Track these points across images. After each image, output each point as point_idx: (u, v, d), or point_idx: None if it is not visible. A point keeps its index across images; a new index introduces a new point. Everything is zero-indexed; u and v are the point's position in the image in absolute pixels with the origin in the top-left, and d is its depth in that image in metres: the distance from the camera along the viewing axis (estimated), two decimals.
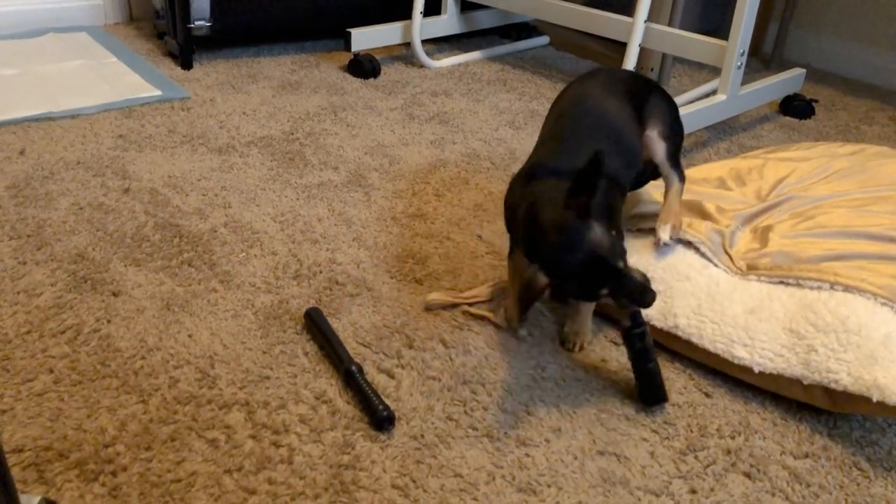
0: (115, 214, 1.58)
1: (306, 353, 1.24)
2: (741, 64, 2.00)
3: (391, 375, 1.21)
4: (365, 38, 2.44)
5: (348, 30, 2.40)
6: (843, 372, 1.11)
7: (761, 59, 2.85)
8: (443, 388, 1.19)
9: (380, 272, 1.46)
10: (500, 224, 1.64)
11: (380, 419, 1.11)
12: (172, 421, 1.09)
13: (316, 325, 1.28)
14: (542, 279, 1.06)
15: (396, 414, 1.13)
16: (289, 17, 2.55)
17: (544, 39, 2.84)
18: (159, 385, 1.16)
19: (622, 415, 1.17)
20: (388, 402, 1.14)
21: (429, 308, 1.37)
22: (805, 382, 1.15)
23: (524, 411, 1.16)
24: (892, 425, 1.16)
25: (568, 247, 1.06)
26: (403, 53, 2.60)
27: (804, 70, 2.33)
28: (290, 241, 1.54)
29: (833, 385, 1.12)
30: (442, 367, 1.24)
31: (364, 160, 1.89)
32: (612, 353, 1.29)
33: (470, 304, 1.38)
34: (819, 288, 1.22)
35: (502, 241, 1.58)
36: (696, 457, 1.10)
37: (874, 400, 1.08)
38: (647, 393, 1.18)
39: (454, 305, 1.38)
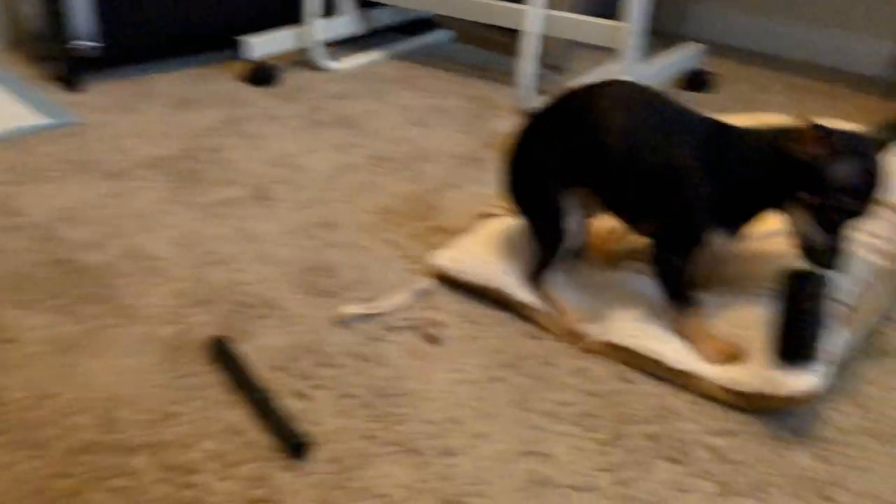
0: (2, 255, 1.49)
1: (214, 385, 1.19)
2: (638, 43, 2.01)
3: (306, 397, 1.17)
4: (260, 45, 2.37)
5: (241, 38, 2.32)
6: (742, 373, 1.14)
7: (658, 35, 2.89)
8: (360, 405, 1.16)
9: (289, 289, 1.41)
10: (413, 226, 1.61)
11: (295, 446, 1.06)
12: (71, 473, 1.03)
13: (223, 354, 1.22)
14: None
15: (313, 438, 1.09)
16: (181, 31, 2.45)
17: (448, 34, 2.82)
18: (56, 435, 1.08)
19: (544, 411, 1.15)
20: (303, 426, 1.10)
21: (342, 322, 1.32)
22: (716, 383, 1.17)
23: (446, 419, 1.13)
24: None
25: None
26: (304, 58, 2.54)
27: (702, 45, 2.37)
28: (192, 266, 1.47)
29: (736, 386, 1.14)
30: (359, 382, 1.20)
31: (267, 172, 1.83)
32: (531, 349, 1.28)
33: (386, 315, 1.35)
34: None
35: (415, 244, 1.55)
36: (619, 446, 1.09)
37: (766, 393, 1.11)
38: (794, 347, 1.11)
39: (369, 317, 1.34)
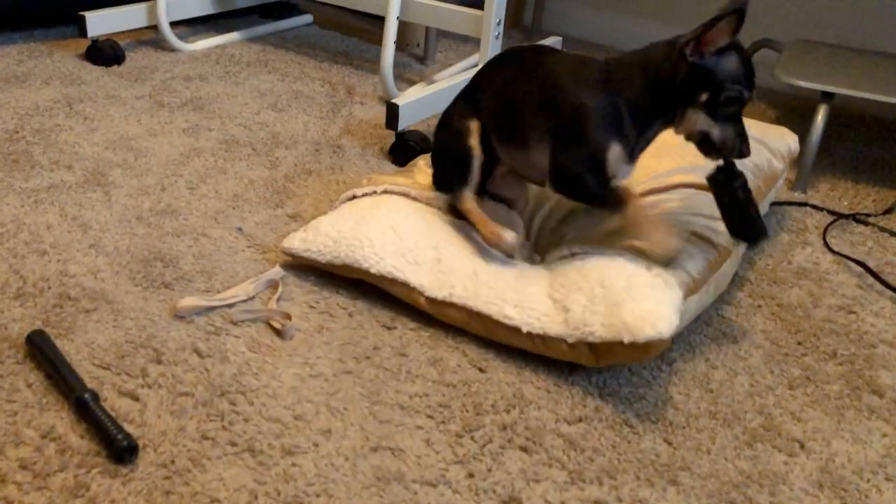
0: None
1: (30, 385, 1.06)
2: (499, 34, 2.00)
3: (135, 398, 1.06)
4: (103, 21, 2.19)
5: (82, 13, 2.14)
6: (598, 323, 1.12)
7: (522, 30, 2.91)
8: (196, 404, 1.06)
9: (122, 280, 1.29)
10: (264, 213, 1.52)
11: (119, 450, 0.96)
12: None
13: (41, 351, 1.10)
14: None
15: (141, 441, 0.99)
16: (14, 4, 2.24)
17: (307, 18, 2.72)
18: None
19: (396, 404, 1.10)
20: (130, 428, 1.00)
21: (180, 315, 1.22)
22: (569, 341, 1.14)
23: (290, 416, 1.06)
24: (656, 377, 1.19)
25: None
26: (153, 38, 2.38)
27: (560, 37, 2.39)
28: (11, 256, 1.32)
29: (591, 338, 1.12)
30: (196, 380, 1.11)
31: (104, 156, 1.68)
32: (385, 339, 1.22)
33: (230, 306, 1.26)
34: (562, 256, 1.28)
35: (265, 231, 1.47)
36: (472, 438, 1.05)
37: (625, 342, 1.09)
38: (749, 230, 1.24)
39: (210, 309, 1.25)
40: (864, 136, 2.18)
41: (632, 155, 1.24)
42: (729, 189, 1.21)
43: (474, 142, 1.32)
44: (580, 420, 1.10)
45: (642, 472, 1.03)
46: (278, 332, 1.21)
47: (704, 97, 1.16)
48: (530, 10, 2.93)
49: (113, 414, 1.02)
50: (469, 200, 1.32)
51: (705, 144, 1.20)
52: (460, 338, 1.24)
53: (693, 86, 1.16)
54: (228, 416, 1.05)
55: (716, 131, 1.18)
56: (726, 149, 1.19)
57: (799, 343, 1.30)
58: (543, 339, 1.17)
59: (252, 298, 1.28)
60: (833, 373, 1.24)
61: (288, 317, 1.23)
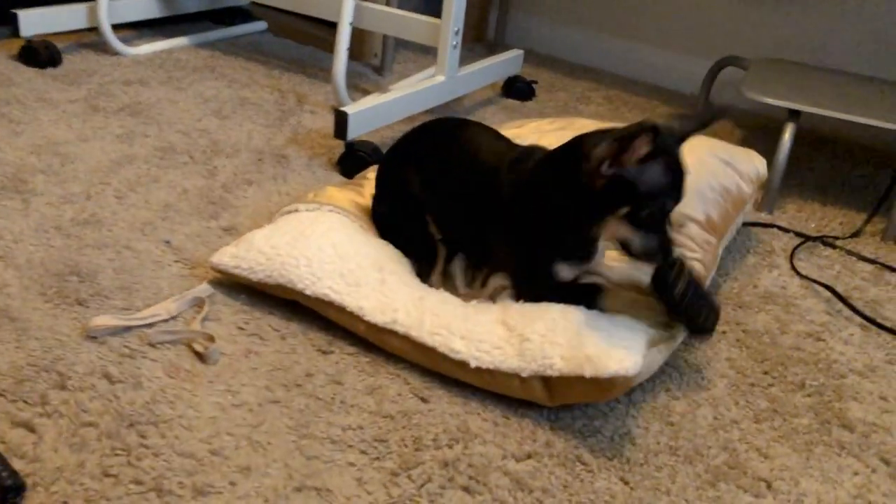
0: None
1: None
2: (457, 43, 1.92)
3: (30, 428, 0.94)
4: (39, 20, 2.07)
5: (14, 10, 2.02)
6: (557, 356, 1.03)
7: (486, 45, 2.84)
8: (101, 436, 0.95)
9: (30, 296, 1.17)
10: (197, 225, 1.41)
11: (2, 490, 0.84)
12: None
13: None
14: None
15: (30, 479, 0.87)
16: None
17: (261, 25, 2.62)
18: None
19: (327, 437, 0.99)
20: (20, 464, 0.88)
21: (92, 335, 1.11)
22: (523, 374, 1.04)
23: (206, 450, 0.95)
24: (613, 409, 1.09)
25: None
26: (94, 40, 2.25)
27: (522, 52, 2.32)
28: None
29: (549, 371, 1.02)
30: (102, 408, 0.99)
31: (27, 161, 1.56)
32: (319, 364, 1.12)
33: (149, 325, 1.14)
34: None
35: (196, 245, 1.35)
36: (409, 476, 0.95)
37: (587, 375, 1.00)
38: (695, 326, 1.14)
39: (127, 329, 1.13)
40: (831, 159, 2.13)
41: (581, 256, 1.16)
42: (667, 294, 1.09)
43: (432, 228, 1.29)
44: (529, 456, 1.00)
45: None
46: (200, 356, 1.10)
47: (625, 210, 1.05)
48: (493, 24, 2.86)
49: (1, 447, 0.90)
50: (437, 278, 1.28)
51: (626, 250, 1.10)
52: (403, 364, 1.13)
53: (613, 198, 1.05)
54: (136, 449, 0.93)
55: (637, 241, 1.07)
56: (647, 258, 1.09)
57: (765, 372, 1.22)
58: (493, 374, 1.07)
59: (174, 318, 1.17)
60: (801, 405, 1.16)
61: (211, 339, 1.11)
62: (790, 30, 2.32)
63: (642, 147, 1.00)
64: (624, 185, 1.03)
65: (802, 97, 1.79)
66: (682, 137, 1.11)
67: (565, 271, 1.15)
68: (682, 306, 1.09)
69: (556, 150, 1.15)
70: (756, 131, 2.20)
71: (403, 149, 1.36)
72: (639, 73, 2.62)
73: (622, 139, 1.00)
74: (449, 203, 1.27)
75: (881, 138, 2.12)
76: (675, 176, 1.07)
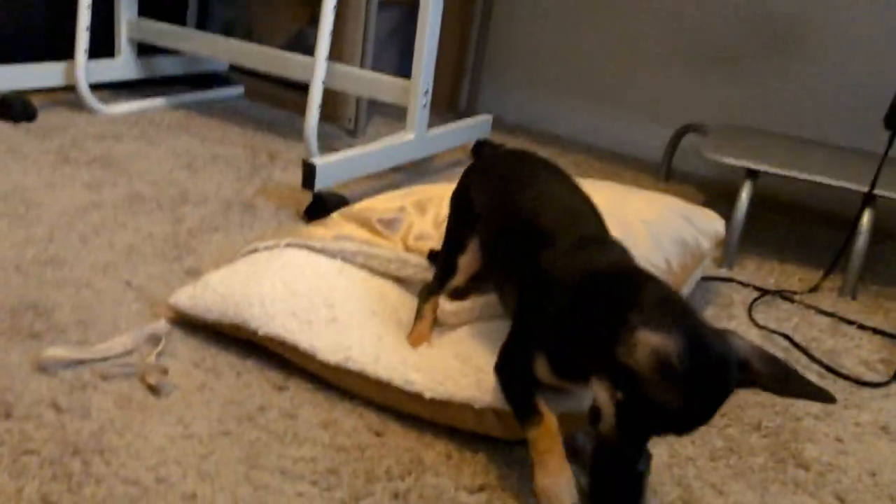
0: None
1: None
2: (426, 103, 1.97)
3: None
4: (14, 75, 2.11)
5: None
6: None
7: (458, 114, 2.92)
8: (42, 463, 0.92)
9: None
10: (159, 267, 1.41)
11: None
12: None
13: None
14: None
15: None
16: None
17: (238, 90, 2.68)
18: None
19: (277, 468, 0.97)
20: None
21: (43, 367, 1.09)
22: (476, 406, 1.03)
23: (152, 478, 0.93)
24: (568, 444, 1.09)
25: None
26: (71, 98, 2.29)
27: (490, 116, 2.39)
28: None
29: (503, 404, 1.01)
30: (47, 436, 0.97)
31: None
32: (274, 400, 1.10)
33: (104, 359, 1.13)
34: None
35: (157, 285, 1.35)
36: None
37: None
38: None
39: (80, 363, 1.12)
40: (789, 221, 2.18)
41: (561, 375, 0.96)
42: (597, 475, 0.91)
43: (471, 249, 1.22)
44: (481, 489, 0.98)
45: None
46: (153, 389, 1.08)
47: (615, 393, 0.84)
48: (465, 94, 2.94)
49: None
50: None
51: (592, 415, 0.89)
52: (358, 400, 1.12)
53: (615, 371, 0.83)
54: (78, 476, 0.91)
55: (607, 423, 0.86)
56: (605, 443, 0.88)
57: (722, 414, 1.22)
58: (448, 405, 1.06)
59: (129, 353, 1.15)
60: (757, 445, 1.15)
61: (165, 372, 1.10)
62: (745, 98, 2.41)
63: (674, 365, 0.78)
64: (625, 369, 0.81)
65: (759, 158, 1.85)
66: (748, 379, 0.85)
67: (544, 373, 0.97)
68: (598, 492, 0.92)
69: (611, 286, 0.93)
70: (717, 197, 2.26)
71: (489, 164, 1.31)
72: (604, 140, 2.70)
73: (655, 352, 0.78)
74: (496, 237, 1.16)
75: (836, 201, 2.18)
76: (696, 411, 0.82)
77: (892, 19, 2.15)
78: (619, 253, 1.04)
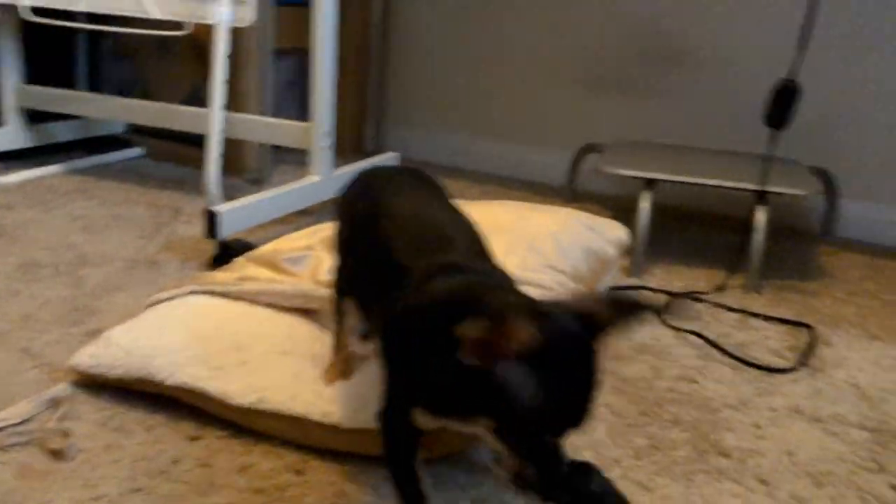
0: None
1: None
2: (329, 144, 1.97)
3: None
4: None
5: None
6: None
7: (364, 156, 2.93)
8: None
9: None
10: (59, 332, 1.35)
11: None
12: None
13: None
14: None
15: None
16: None
17: (137, 151, 2.62)
18: None
19: None
20: None
21: None
22: None
23: None
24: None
25: None
26: None
27: (398, 153, 2.40)
28: None
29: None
30: None
31: None
32: (187, 451, 1.06)
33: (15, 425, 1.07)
34: None
35: (57, 350, 1.29)
36: None
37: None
38: None
39: None
40: (690, 227, 2.25)
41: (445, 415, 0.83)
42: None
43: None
44: None
45: None
46: (56, 454, 1.03)
47: (489, 423, 0.75)
48: (370, 135, 2.96)
49: None
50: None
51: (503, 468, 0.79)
52: (276, 441, 1.09)
53: (477, 397, 0.75)
54: None
55: (507, 462, 0.77)
56: (519, 483, 0.77)
57: (643, 413, 1.23)
58: (366, 433, 1.04)
59: (28, 420, 1.10)
60: (679, 439, 1.17)
61: (66, 435, 1.05)
62: (639, 115, 2.50)
63: (520, 337, 0.69)
64: (489, 385, 0.72)
65: (654, 168, 1.92)
66: (601, 327, 0.76)
67: (425, 420, 0.85)
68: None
69: (456, 285, 0.84)
70: (621, 212, 2.31)
71: (351, 191, 1.16)
72: (510, 169, 2.75)
73: (496, 318, 0.70)
74: (358, 273, 1.05)
75: (731, 204, 2.27)
76: (572, 388, 0.73)
77: (764, 32, 2.27)
78: (483, 274, 0.89)
